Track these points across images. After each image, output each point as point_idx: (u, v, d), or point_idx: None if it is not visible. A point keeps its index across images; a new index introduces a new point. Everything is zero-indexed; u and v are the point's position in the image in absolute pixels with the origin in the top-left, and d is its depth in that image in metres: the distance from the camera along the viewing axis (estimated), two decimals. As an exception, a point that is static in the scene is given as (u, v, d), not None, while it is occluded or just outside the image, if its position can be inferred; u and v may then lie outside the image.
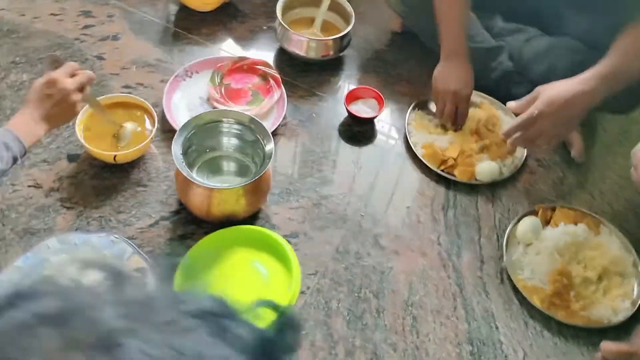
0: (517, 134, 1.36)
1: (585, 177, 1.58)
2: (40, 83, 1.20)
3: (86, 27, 1.72)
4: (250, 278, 1.26)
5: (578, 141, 1.56)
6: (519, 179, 1.55)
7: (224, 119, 1.35)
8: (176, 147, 1.29)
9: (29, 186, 1.39)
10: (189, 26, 1.76)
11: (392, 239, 1.41)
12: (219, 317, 0.47)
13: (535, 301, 1.33)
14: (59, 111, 1.21)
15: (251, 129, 1.34)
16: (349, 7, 1.70)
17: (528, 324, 1.32)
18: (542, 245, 1.39)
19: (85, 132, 1.41)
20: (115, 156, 1.39)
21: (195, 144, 1.36)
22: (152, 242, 1.34)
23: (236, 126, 1.36)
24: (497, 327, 1.30)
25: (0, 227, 1.33)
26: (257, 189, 1.33)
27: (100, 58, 1.65)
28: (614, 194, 1.55)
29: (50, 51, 1.64)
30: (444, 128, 1.58)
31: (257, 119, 1.32)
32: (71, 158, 1.44)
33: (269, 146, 1.32)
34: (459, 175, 1.52)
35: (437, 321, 1.30)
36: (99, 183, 1.42)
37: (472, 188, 1.52)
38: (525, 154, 1.57)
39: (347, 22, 1.69)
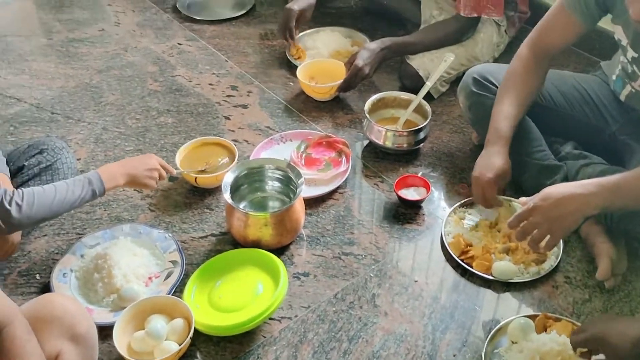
0: (519, 227, 1.44)
1: (611, 303, 1.53)
2: (144, 160, 1.62)
3: (229, 96, 2.21)
4: (247, 290, 1.51)
5: (604, 263, 1.55)
6: (539, 287, 1.58)
7: (266, 165, 1.67)
8: (227, 179, 1.64)
9: (134, 190, 1.84)
10: (303, 109, 2.15)
11: (387, 302, 1.55)
12: None
13: (498, 392, 1.34)
14: (140, 179, 1.59)
15: (289, 173, 1.63)
16: (428, 108, 1.94)
17: (482, 410, 1.33)
18: (527, 345, 1.40)
19: (183, 161, 1.84)
20: (196, 178, 1.77)
21: (245, 184, 1.71)
22: (195, 249, 1.67)
23: (278, 171, 1.67)
24: (448, 401, 1.34)
25: (102, 211, 1.78)
26: (282, 223, 1.60)
27: (227, 118, 2.11)
28: None
29: (196, 108, 2.15)
30: (477, 227, 1.69)
31: (293, 164, 1.62)
32: (171, 179, 1.86)
33: (299, 189, 1.60)
34: (475, 266, 1.60)
35: (394, 378, 1.39)
36: (181, 199, 1.82)
37: (486, 282, 1.58)
38: (553, 266, 1.60)
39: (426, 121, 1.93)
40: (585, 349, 1.28)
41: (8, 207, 1.34)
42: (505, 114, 1.64)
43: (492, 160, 1.62)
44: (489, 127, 1.67)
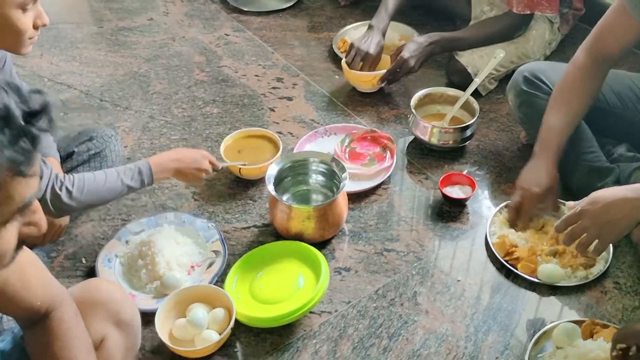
0: (566, 231, 1.41)
1: (663, 312, 1.49)
2: (197, 157, 1.61)
3: (274, 88, 2.21)
4: (288, 282, 1.51)
5: None
6: (586, 292, 1.53)
7: (311, 158, 1.67)
8: (271, 171, 1.64)
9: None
10: (348, 102, 2.14)
11: (429, 300, 1.53)
12: None
13: (540, 397, 1.31)
14: (187, 175, 1.60)
15: (333, 167, 1.62)
16: (476, 105, 1.91)
17: (524, 414, 1.30)
18: (572, 351, 1.37)
19: (227, 152, 1.84)
20: (240, 169, 1.78)
21: (289, 176, 1.71)
22: (237, 239, 1.68)
23: (322, 165, 1.66)
24: (489, 404, 1.32)
25: (147, 199, 1.80)
26: (325, 217, 1.59)
27: (272, 110, 2.11)
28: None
29: (241, 99, 2.15)
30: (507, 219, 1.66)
31: (337, 159, 1.61)
32: (215, 169, 1.87)
33: (343, 182, 1.59)
34: (520, 268, 1.57)
35: (434, 378, 1.37)
36: (225, 190, 1.83)
37: (531, 284, 1.55)
38: (602, 271, 1.55)
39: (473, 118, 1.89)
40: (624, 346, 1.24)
41: (59, 191, 1.37)
42: (556, 126, 1.60)
43: (539, 175, 1.59)
44: (538, 137, 1.63)
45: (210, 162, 1.64)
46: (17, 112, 0.71)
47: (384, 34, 2.14)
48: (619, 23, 1.55)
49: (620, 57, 1.61)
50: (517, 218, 1.63)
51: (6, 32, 1.28)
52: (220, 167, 1.70)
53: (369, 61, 2.09)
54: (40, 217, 0.81)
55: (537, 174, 1.60)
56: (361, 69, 2.09)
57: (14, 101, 0.72)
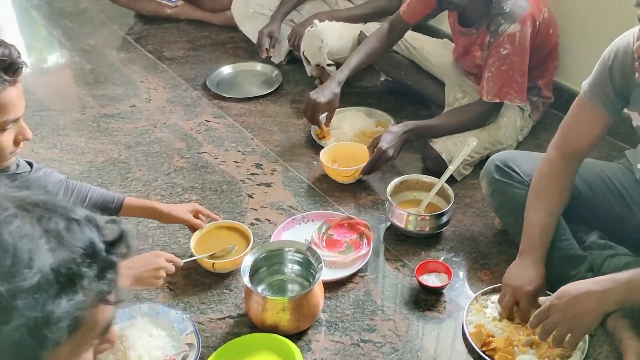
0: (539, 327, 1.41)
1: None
2: (150, 259, 1.60)
3: (253, 174, 2.24)
4: (263, 377, 1.48)
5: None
6: (564, 384, 1.52)
7: (286, 248, 1.67)
8: (246, 262, 1.64)
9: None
10: (327, 189, 2.16)
11: (407, 394, 1.50)
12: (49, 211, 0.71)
13: None
14: (145, 282, 1.59)
15: (309, 257, 1.63)
16: (451, 192, 1.94)
17: None
18: None
19: (198, 245, 1.84)
20: (213, 264, 1.77)
21: (265, 266, 1.71)
22: (212, 330, 1.66)
23: (297, 254, 1.67)
24: None
25: (122, 289, 1.78)
26: (300, 308, 1.58)
27: (250, 196, 2.13)
28: None
29: (220, 185, 2.17)
30: (503, 318, 1.65)
31: (314, 248, 1.62)
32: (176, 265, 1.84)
33: (319, 273, 1.59)
34: (497, 359, 1.55)
35: None
36: (200, 279, 1.82)
37: (508, 376, 1.53)
38: (579, 363, 1.54)
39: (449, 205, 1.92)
40: None
41: None
42: (539, 224, 1.64)
43: (530, 273, 1.61)
44: (523, 236, 1.66)
45: (168, 260, 1.62)
46: (101, 246, 0.75)
47: (340, 84, 2.24)
48: (583, 117, 1.60)
49: (590, 150, 1.66)
50: (514, 316, 1.62)
51: None
52: (182, 263, 1.68)
53: (318, 110, 2.18)
54: (113, 333, 0.82)
55: (527, 272, 1.61)
56: (312, 119, 2.14)
57: (96, 235, 0.75)
